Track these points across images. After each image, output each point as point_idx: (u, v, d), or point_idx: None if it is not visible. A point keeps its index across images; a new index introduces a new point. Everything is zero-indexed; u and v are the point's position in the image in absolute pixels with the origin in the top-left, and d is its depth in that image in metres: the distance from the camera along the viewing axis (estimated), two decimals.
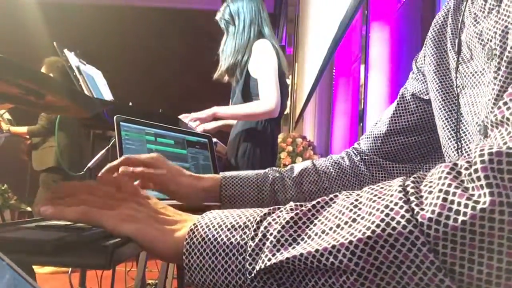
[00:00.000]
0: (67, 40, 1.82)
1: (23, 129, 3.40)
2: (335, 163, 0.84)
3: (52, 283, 2.74)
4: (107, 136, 1.61)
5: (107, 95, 1.68)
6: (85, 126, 1.67)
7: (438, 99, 0.64)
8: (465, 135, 0.57)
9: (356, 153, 0.85)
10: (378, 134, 0.82)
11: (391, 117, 0.79)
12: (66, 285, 2.09)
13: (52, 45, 1.53)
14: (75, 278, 1.89)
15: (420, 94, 0.76)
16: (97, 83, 1.63)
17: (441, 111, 0.63)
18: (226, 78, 2.04)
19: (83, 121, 1.52)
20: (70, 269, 2.16)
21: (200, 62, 2.02)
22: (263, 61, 1.85)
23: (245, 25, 1.95)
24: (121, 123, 0.86)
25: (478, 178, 0.31)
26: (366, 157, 0.83)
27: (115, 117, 0.86)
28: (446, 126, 0.61)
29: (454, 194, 0.31)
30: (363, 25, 2.81)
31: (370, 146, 0.83)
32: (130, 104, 1.41)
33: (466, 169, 0.32)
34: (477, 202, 0.30)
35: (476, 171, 0.31)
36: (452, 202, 0.31)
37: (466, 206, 0.30)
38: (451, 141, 0.60)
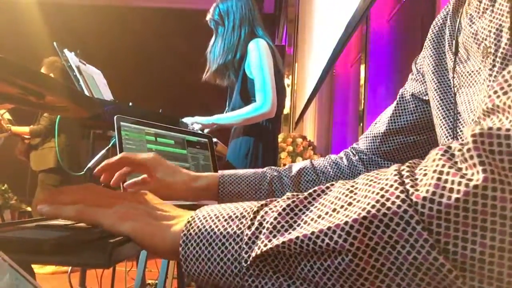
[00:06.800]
0: (67, 40, 1.82)
1: (24, 129, 3.40)
2: (333, 163, 0.84)
3: (52, 283, 2.74)
4: (107, 136, 1.61)
5: (107, 95, 1.68)
6: (85, 126, 1.66)
7: (436, 99, 0.65)
8: (462, 133, 0.58)
9: (355, 153, 0.86)
10: (377, 133, 0.82)
11: (390, 116, 0.80)
12: (66, 285, 2.09)
13: (52, 45, 1.53)
14: (75, 278, 1.89)
15: (419, 95, 0.76)
16: (97, 83, 1.63)
17: (439, 110, 0.64)
18: (217, 81, 2.01)
19: (83, 121, 1.51)
20: (69, 269, 2.17)
21: (200, 62, 2.01)
22: (258, 61, 1.84)
23: (235, 25, 1.91)
24: (121, 123, 0.86)
25: (471, 157, 0.31)
26: (365, 157, 0.84)
27: (115, 117, 0.86)
28: (444, 124, 0.62)
29: (447, 173, 0.32)
30: (363, 25, 2.81)
31: (368, 146, 0.84)
32: (130, 104, 1.41)
33: (459, 150, 0.33)
34: (470, 180, 0.30)
35: (468, 150, 0.31)
36: (446, 181, 0.31)
37: (459, 184, 0.31)
38: (448, 139, 0.61)
